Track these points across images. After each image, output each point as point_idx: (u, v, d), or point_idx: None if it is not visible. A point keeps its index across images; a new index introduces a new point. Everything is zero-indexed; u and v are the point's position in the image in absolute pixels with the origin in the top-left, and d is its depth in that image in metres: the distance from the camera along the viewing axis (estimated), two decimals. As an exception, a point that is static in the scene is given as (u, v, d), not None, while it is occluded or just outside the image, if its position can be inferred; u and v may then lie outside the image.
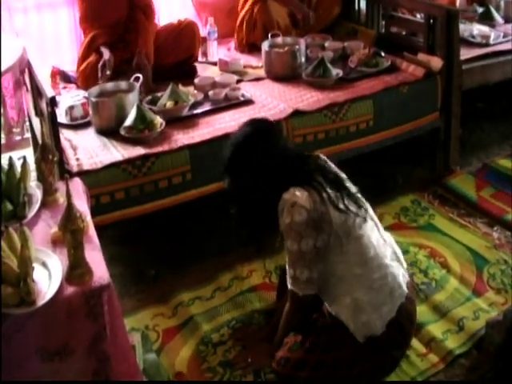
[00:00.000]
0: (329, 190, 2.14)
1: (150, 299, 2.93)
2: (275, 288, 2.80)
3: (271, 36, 3.86)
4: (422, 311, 2.76)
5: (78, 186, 2.61)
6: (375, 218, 2.32)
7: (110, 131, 3.05)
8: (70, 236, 1.94)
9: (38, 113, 3.13)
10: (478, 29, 4.23)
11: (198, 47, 3.80)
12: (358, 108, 3.34)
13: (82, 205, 2.45)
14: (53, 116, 2.64)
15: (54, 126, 2.64)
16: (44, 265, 2.01)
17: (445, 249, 3.22)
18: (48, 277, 1.95)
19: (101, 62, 3.47)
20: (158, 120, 3.01)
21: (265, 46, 3.73)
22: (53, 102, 2.62)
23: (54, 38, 4.11)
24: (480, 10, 4.64)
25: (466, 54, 3.82)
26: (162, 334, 2.74)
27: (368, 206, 2.30)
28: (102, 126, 3.09)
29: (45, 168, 2.40)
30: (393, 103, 3.47)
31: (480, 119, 4.47)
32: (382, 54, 3.79)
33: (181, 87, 3.27)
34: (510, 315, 2.57)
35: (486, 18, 4.49)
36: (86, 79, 3.53)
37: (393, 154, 3.83)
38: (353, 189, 2.28)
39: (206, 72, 3.80)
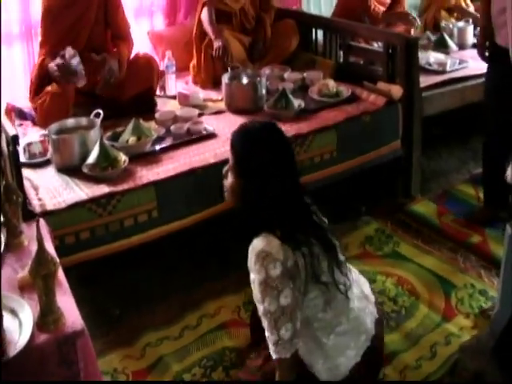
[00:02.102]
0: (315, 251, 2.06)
1: (116, 341, 2.84)
2: (245, 324, 2.77)
3: (231, 69, 3.83)
4: (394, 340, 2.76)
5: (42, 228, 2.53)
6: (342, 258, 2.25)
7: (72, 169, 2.98)
8: (41, 281, 1.86)
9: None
10: (434, 56, 4.31)
11: (156, 81, 3.76)
12: (322, 139, 3.34)
13: (49, 247, 2.37)
14: (15, 155, 2.56)
15: (17, 165, 2.56)
16: (13, 312, 1.92)
17: (412, 276, 3.22)
18: (18, 325, 1.87)
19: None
20: (122, 157, 2.95)
21: (225, 78, 3.71)
22: (15, 141, 2.53)
23: (7, 74, 4.00)
24: (434, 37, 4.73)
25: (424, 81, 3.88)
26: (131, 377, 2.64)
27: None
28: (63, 164, 3.02)
29: (9, 209, 2.32)
30: (355, 133, 3.49)
31: (437, 145, 4.52)
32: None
33: (142, 122, 3.20)
34: (483, 340, 2.58)
35: (441, 46, 4.60)
36: (45, 115, 3.42)
37: (353, 183, 3.82)
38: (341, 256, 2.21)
39: (165, 106, 3.77)
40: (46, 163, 3.11)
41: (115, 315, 2.98)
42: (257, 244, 2.02)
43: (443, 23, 4.89)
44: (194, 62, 4.15)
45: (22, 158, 3.05)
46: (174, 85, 3.98)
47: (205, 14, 4.10)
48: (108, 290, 3.15)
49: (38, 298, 1.90)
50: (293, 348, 2.03)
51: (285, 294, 1.97)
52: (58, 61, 3.39)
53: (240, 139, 2.13)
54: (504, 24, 3.06)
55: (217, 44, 3.97)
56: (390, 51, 3.75)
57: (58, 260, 1.92)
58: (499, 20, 3.13)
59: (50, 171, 3.04)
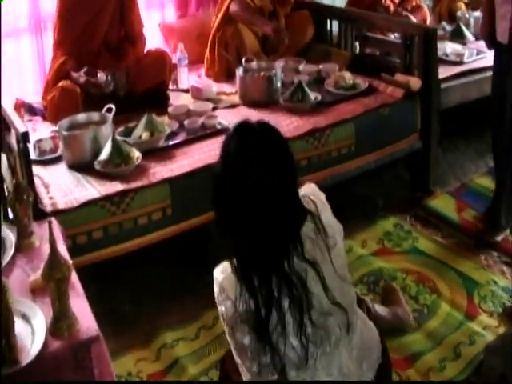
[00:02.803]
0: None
1: (130, 342, 2.76)
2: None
3: (245, 61, 3.74)
4: (417, 340, 2.69)
5: (54, 227, 2.46)
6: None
7: (83, 166, 2.90)
8: (54, 285, 1.79)
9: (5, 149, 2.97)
10: (451, 47, 4.20)
11: (169, 75, 3.68)
12: (340, 132, 3.25)
13: (62, 248, 2.30)
14: (26, 153, 2.48)
15: (27, 163, 2.48)
16: (24, 317, 1.85)
17: (432, 273, 3.13)
18: (31, 331, 1.79)
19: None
20: (135, 153, 2.87)
21: (239, 71, 3.62)
22: (25, 138, 2.46)
23: (15, 68, 3.93)
24: (450, 28, 4.62)
25: (442, 72, 3.76)
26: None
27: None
28: (75, 161, 2.94)
29: (19, 209, 2.25)
30: (374, 126, 3.39)
31: (454, 137, 4.42)
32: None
33: (155, 117, 3.12)
34: (507, 340, 2.49)
35: (457, 36, 4.47)
36: (55, 110, 3.36)
37: (370, 177, 3.73)
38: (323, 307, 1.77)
39: (178, 100, 3.68)
40: (57, 160, 3.03)
41: (126, 313, 2.90)
42: (216, 274, 1.80)
43: (459, 13, 4.76)
44: (207, 54, 4.05)
45: (33, 155, 2.96)
46: (187, 78, 3.90)
47: (237, 7, 3.99)
48: (121, 289, 3.07)
49: (50, 303, 1.82)
50: (267, 376, 1.79)
51: (239, 334, 1.74)
52: (86, 78, 3.42)
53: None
54: (504, 16, 2.93)
55: (269, 28, 3.93)
56: (408, 42, 3.65)
57: (71, 263, 1.85)
58: (501, 10, 2.97)
59: (61, 168, 2.96)
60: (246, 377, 1.85)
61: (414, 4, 4.59)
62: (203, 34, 4.24)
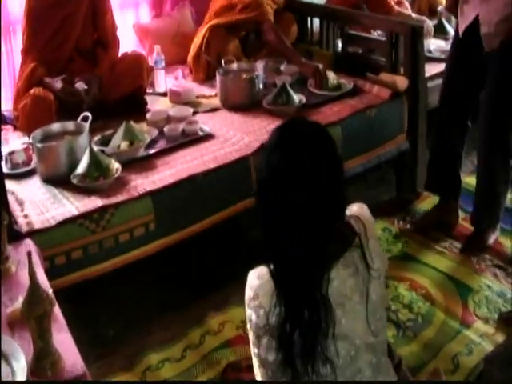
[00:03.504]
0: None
1: (113, 366, 2.60)
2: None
3: (225, 62, 3.59)
4: (414, 352, 2.60)
5: (29, 249, 2.30)
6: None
7: (59, 180, 2.74)
8: (35, 323, 1.64)
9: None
10: (434, 43, 4.11)
11: (147, 79, 3.51)
12: (327, 135, 3.12)
13: (40, 274, 2.14)
14: (-2, 170, 2.31)
15: (1, 181, 2.30)
16: (3, 357, 1.69)
17: (425, 279, 3.05)
18: (10, 372, 1.64)
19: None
20: (114, 165, 2.71)
21: (219, 73, 3.47)
22: (-2, 153, 2.30)
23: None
24: (431, 23, 4.51)
25: (427, 70, 3.64)
26: (131, 405, 2.45)
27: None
28: (50, 175, 2.78)
29: (-8, 233, 2.09)
30: (361, 128, 3.28)
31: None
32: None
33: (133, 124, 2.96)
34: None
35: (440, 32, 4.38)
36: (28, 119, 3.16)
37: (355, 180, 3.60)
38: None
39: (155, 104, 3.53)
40: (31, 173, 2.87)
41: (109, 336, 2.75)
42: (251, 278, 1.66)
43: (440, 8, 4.66)
44: (190, 58, 3.92)
45: (4, 169, 2.80)
46: (164, 81, 3.74)
47: (275, 38, 3.81)
48: (101, 309, 2.89)
49: (31, 341, 1.67)
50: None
51: (265, 347, 1.62)
52: (63, 85, 3.25)
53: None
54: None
55: (312, 67, 3.65)
56: (393, 40, 3.53)
57: (53, 296, 1.70)
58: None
59: (35, 182, 2.80)
60: None
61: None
62: (179, 34, 4.11)
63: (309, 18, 4.21)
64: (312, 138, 1.60)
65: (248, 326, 1.68)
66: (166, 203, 2.65)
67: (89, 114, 2.94)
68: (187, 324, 2.80)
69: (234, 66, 3.60)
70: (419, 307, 2.86)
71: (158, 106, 3.52)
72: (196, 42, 3.88)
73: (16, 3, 3.72)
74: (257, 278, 1.63)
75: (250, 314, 1.64)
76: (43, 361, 1.66)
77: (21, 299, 1.93)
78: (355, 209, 1.72)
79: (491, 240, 3.25)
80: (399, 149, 3.53)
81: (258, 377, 1.71)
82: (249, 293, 1.64)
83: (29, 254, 1.66)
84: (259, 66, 3.58)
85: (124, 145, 2.85)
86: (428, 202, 3.64)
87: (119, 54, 3.59)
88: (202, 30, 3.87)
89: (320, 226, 1.56)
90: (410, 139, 3.56)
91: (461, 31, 3.07)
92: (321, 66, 3.61)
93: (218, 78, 3.47)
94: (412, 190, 3.71)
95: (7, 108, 3.52)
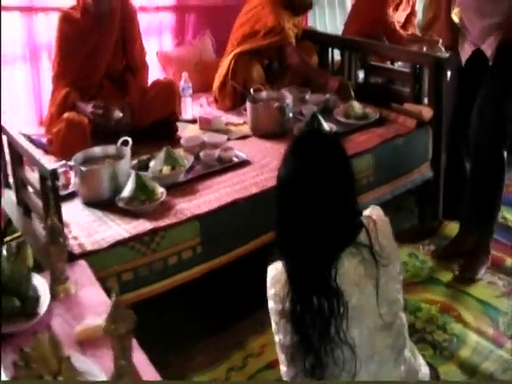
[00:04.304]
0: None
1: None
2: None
3: (254, 91, 3.65)
4: (451, 371, 2.68)
5: (85, 270, 2.32)
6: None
7: (102, 203, 2.76)
8: (117, 340, 1.65)
9: (14, 187, 2.84)
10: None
11: (178, 106, 3.56)
12: (359, 163, 3.16)
13: (99, 294, 2.16)
14: (55, 192, 2.33)
15: (58, 204, 2.33)
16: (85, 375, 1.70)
17: (455, 302, 3.13)
18: (94, 392, 1.66)
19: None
20: (159, 189, 2.74)
21: (249, 101, 3.52)
22: (54, 176, 2.31)
23: (8, 98, 3.72)
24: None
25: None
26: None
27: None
28: (92, 197, 2.79)
29: (54, 252, 2.11)
30: (390, 156, 3.35)
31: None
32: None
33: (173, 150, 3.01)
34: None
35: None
36: (62, 143, 3.18)
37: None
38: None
39: (184, 131, 3.57)
40: (71, 196, 2.87)
41: (154, 361, 2.74)
42: (269, 270, 1.88)
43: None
44: (216, 86, 3.97)
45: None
46: (191, 108, 3.79)
47: (298, 61, 3.98)
48: (142, 333, 2.90)
49: (113, 359, 1.69)
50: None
51: (282, 332, 1.83)
52: (96, 110, 3.26)
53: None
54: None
55: (336, 83, 3.86)
56: (417, 71, 3.62)
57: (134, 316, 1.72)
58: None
59: (77, 205, 2.81)
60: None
61: (410, 33, 4.57)
62: (201, 63, 4.17)
63: (329, 49, 4.28)
64: (324, 144, 1.82)
65: (270, 315, 1.86)
66: (211, 227, 2.68)
67: (129, 139, 2.97)
68: (227, 347, 2.83)
69: (264, 94, 3.66)
70: (452, 328, 2.93)
71: (187, 132, 3.56)
72: (221, 71, 3.94)
73: (43, 29, 3.76)
74: (274, 269, 1.85)
75: (270, 303, 1.85)
76: (124, 378, 1.68)
77: (89, 319, 1.96)
78: (368, 211, 1.91)
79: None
80: (424, 177, 3.60)
81: (281, 363, 1.88)
82: (267, 284, 1.86)
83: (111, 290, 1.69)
84: (289, 95, 3.62)
85: (166, 169, 2.88)
86: (451, 228, 3.71)
87: (148, 80, 3.64)
88: (227, 59, 3.92)
89: (331, 223, 1.75)
90: (433, 168, 3.63)
91: (463, 61, 3.25)
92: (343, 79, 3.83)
93: (248, 106, 3.51)
94: (435, 217, 3.77)
95: (35, 132, 3.54)
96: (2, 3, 3.47)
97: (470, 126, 3.25)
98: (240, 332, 2.91)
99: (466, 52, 3.23)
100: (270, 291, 1.83)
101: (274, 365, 2.69)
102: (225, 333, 2.90)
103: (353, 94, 3.78)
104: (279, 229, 1.84)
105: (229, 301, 3.05)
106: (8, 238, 3.28)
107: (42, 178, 2.40)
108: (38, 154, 2.55)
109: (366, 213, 1.87)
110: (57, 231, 2.11)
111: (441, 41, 4.43)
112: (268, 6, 3.93)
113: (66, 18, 3.39)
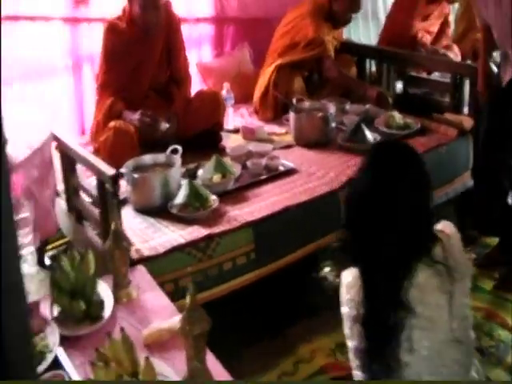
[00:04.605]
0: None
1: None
2: (345, 367, 2.59)
3: (296, 101, 3.69)
4: (499, 376, 2.68)
5: (144, 275, 2.36)
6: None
7: (153, 210, 2.80)
8: (192, 341, 1.69)
9: (66, 194, 2.89)
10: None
11: (222, 116, 3.61)
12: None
13: (161, 298, 2.20)
14: (115, 197, 2.37)
15: (119, 208, 2.37)
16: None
17: (499, 309, 3.14)
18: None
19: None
20: (211, 196, 2.78)
21: (292, 111, 3.57)
22: (115, 180, 2.36)
23: (51, 107, 3.78)
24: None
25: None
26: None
27: None
28: (143, 204, 2.84)
29: (118, 257, 2.15)
30: (433, 165, 3.32)
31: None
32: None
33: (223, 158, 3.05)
34: None
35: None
36: (110, 151, 3.21)
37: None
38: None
39: (228, 141, 3.61)
40: (121, 203, 2.90)
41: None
42: (344, 276, 1.89)
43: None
44: (257, 96, 4.01)
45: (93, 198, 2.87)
46: (232, 118, 3.83)
47: (336, 74, 4.04)
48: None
49: (186, 360, 1.72)
50: None
51: (356, 336, 1.83)
52: (143, 118, 3.30)
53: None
54: None
55: (374, 92, 3.93)
56: (458, 81, 3.66)
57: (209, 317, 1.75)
58: None
59: (129, 212, 2.85)
60: None
61: (444, 43, 4.59)
62: (240, 74, 4.21)
63: (367, 60, 4.32)
64: (401, 155, 1.82)
65: (344, 321, 1.87)
66: (264, 233, 2.72)
67: (179, 147, 3.02)
68: (278, 353, 2.84)
69: (306, 104, 3.70)
70: (499, 334, 2.95)
71: (230, 142, 3.59)
72: (262, 82, 3.99)
73: (85, 40, 3.83)
74: (348, 276, 1.85)
75: (344, 309, 1.85)
76: (198, 379, 1.71)
77: (155, 323, 1.99)
78: (440, 225, 1.89)
79: None
80: (465, 185, 3.62)
81: (355, 369, 1.87)
82: (342, 290, 1.86)
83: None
84: (332, 105, 3.66)
85: (216, 177, 2.92)
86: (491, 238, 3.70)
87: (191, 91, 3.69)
88: (268, 70, 3.97)
89: (409, 232, 1.76)
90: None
91: (504, 83, 3.19)
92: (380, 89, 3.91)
93: (291, 115, 3.56)
94: (475, 225, 3.77)
95: (78, 141, 3.59)
96: (46, 13, 3.54)
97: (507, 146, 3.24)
98: (290, 338, 2.92)
99: (508, 74, 3.19)
100: (346, 296, 1.84)
101: (325, 370, 2.74)
102: (275, 339, 2.91)
103: (391, 102, 3.81)
104: (354, 236, 1.86)
105: (278, 308, 3.08)
106: (57, 243, 3.34)
107: (101, 184, 2.45)
108: (94, 158, 2.60)
109: (438, 227, 1.87)
110: (120, 235, 2.16)
111: (453, 56, 4.48)
112: (308, 17, 3.98)
113: (112, 29, 3.44)
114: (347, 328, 1.85)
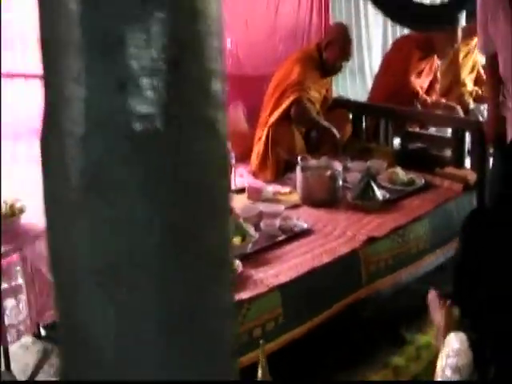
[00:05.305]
0: None
1: None
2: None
3: (301, 159, 3.66)
4: None
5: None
6: None
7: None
8: None
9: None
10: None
11: (230, 175, 3.55)
12: (417, 228, 3.22)
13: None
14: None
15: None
16: None
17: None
18: None
19: None
20: (235, 261, 2.71)
21: (298, 170, 3.55)
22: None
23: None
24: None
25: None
26: None
27: None
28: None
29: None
30: (442, 221, 3.39)
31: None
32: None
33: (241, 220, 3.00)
34: None
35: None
36: None
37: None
38: None
39: (233, 201, 3.55)
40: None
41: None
42: (451, 340, 1.83)
43: (472, 106, 4.88)
44: (256, 154, 3.98)
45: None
46: (234, 178, 3.79)
47: (302, 111, 3.92)
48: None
49: None
50: None
51: None
52: None
53: None
54: None
55: (335, 132, 3.93)
56: (459, 136, 3.71)
57: None
58: None
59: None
60: None
61: (434, 98, 4.65)
62: (235, 134, 4.16)
63: (363, 116, 4.36)
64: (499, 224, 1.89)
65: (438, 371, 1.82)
66: (291, 296, 2.65)
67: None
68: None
69: (312, 162, 3.66)
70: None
71: (236, 202, 3.53)
72: (259, 143, 3.97)
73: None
74: (456, 343, 1.79)
75: (447, 370, 1.77)
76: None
77: None
78: None
79: None
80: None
81: None
82: (448, 353, 1.79)
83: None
84: (338, 163, 3.65)
85: (236, 240, 2.86)
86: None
87: None
88: (265, 128, 3.95)
89: None
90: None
91: (509, 139, 3.18)
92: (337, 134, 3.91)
93: (298, 174, 3.53)
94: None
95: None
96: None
97: None
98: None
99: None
100: (452, 360, 1.78)
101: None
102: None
103: (402, 177, 3.74)
104: (465, 297, 1.91)
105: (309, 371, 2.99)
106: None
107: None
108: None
109: None
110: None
111: (458, 107, 4.54)
112: (298, 63, 3.98)
113: None
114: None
